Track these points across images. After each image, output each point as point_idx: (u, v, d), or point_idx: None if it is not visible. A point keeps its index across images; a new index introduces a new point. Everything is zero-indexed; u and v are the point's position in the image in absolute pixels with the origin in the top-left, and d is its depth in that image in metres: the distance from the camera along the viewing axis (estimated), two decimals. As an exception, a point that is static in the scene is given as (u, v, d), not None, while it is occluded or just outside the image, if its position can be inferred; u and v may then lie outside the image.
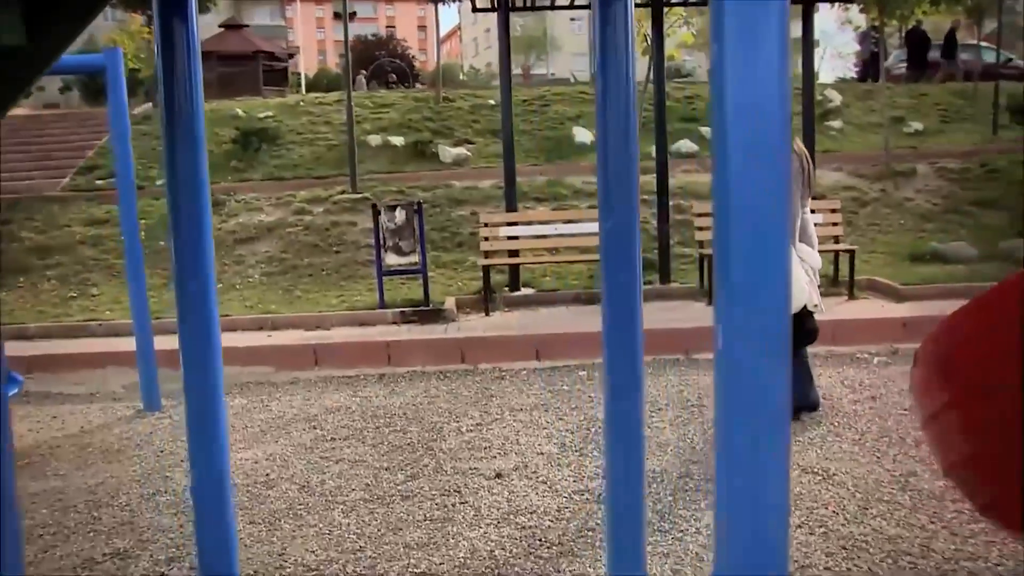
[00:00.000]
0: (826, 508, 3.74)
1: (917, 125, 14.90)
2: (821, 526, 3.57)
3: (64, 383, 6.52)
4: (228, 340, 7.03)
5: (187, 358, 2.50)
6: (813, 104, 9.07)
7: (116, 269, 9.52)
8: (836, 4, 11.74)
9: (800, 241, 4.80)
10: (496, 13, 8.87)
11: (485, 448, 4.64)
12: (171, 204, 2.45)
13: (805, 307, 4.75)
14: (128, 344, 7.10)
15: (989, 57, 20.14)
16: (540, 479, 4.19)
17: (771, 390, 1.36)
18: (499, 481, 4.17)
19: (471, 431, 4.96)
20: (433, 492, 4.07)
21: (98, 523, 3.95)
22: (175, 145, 2.42)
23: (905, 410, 5.04)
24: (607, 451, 2.63)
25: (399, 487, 4.16)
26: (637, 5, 9.20)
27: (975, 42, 21.48)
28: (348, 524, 3.77)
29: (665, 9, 8.52)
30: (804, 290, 4.69)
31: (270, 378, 6.44)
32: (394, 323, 7.59)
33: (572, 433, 4.85)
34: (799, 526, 3.58)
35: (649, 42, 9.58)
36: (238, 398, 5.98)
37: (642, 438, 2.62)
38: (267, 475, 4.45)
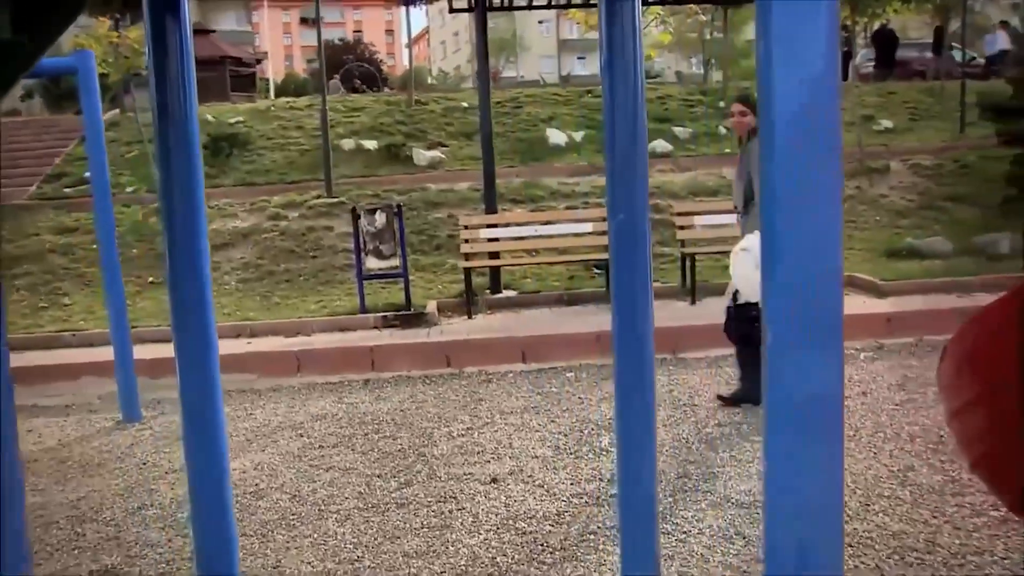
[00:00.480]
0: (827, 505, 3.70)
1: (887, 123, 15.06)
2: (824, 524, 3.53)
3: (38, 395, 6.33)
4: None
5: (183, 364, 2.40)
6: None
7: (88, 278, 9.32)
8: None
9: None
10: (472, 13, 8.80)
11: (478, 453, 4.57)
12: (165, 209, 2.35)
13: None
14: (103, 354, 6.95)
15: (954, 56, 20.51)
16: (536, 483, 4.12)
17: (823, 386, 1.33)
18: (495, 486, 4.10)
19: (462, 436, 4.88)
20: (428, 499, 3.98)
21: (82, 539, 3.82)
22: (169, 149, 2.32)
23: (897, 405, 5.04)
24: (619, 451, 2.56)
25: (393, 495, 4.08)
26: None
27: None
28: (343, 533, 3.68)
29: (642, 8, 8.47)
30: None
31: (253, 385, 6.31)
32: (375, 328, 7.48)
33: (565, 436, 4.79)
34: (802, 524, 3.54)
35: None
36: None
37: (653, 437, 2.56)
38: (256, 485, 4.33)
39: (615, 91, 2.36)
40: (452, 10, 8.30)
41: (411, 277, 8.00)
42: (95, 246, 10.07)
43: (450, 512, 3.82)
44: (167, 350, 7.28)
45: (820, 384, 1.32)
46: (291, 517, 3.89)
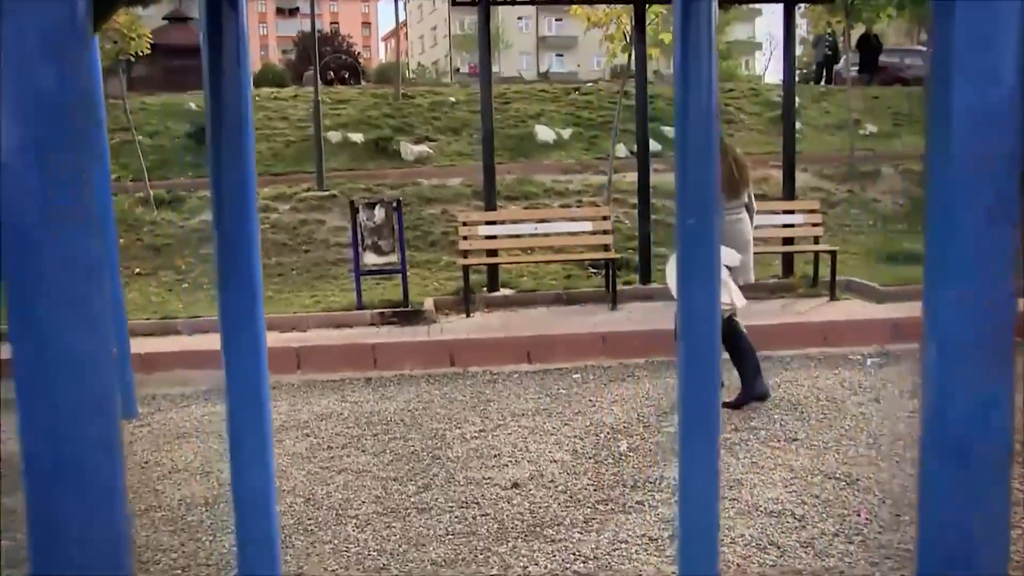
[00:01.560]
0: (858, 515, 3.65)
1: (872, 127, 15.16)
2: (858, 534, 3.48)
3: (27, 389, 6.13)
4: (203, 342, 6.73)
5: (231, 358, 2.28)
6: (793, 106, 9.06)
7: (72, 268, 9.10)
8: (801, 6, 11.81)
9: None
10: (459, 8, 8.67)
11: (495, 456, 4.46)
12: (216, 200, 2.23)
13: (735, 306, 5.08)
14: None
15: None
16: (559, 488, 4.02)
17: (990, 390, 1.26)
18: (517, 491, 3.99)
19: (476, 438, 4.77)
20: (450, 504, 3.87)
21: (89, 543, 3.66)
22: (221, 139, 2.20)
23: (912, 413, 5.00)
24: (682, 451, 2.46)
25: (412, 499, 3.96)
26: (615, 0, 9.11)
27: (919, 48, 22.02)
28: (365, 540, 3.56)
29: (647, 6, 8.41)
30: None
31: (250, 383, 6.14)
32: (373, 324, 7.35)
33: (582, 439, 4.69)
34: (835, 535, 3.48)
35: (628, 40, 9.47)
36: (219, 404, 5.66)
37: (717, 439, 2.47)
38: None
39: (688, 92, 2.27)
40: (455, 3, 8.15)
41: (407, 273, 7.86)
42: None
43: (474, 518, 3.71)
44: (158, 344, 7.13)
45: (987, 409, 1.24)
46: (308, 522, 3.76)
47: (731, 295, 5.01)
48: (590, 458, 4.41)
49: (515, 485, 4.06)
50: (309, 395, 5.84)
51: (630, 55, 9.59)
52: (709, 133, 2.29)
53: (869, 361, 6.21)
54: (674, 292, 5.14)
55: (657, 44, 9.86)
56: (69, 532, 1.14)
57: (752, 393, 5.16)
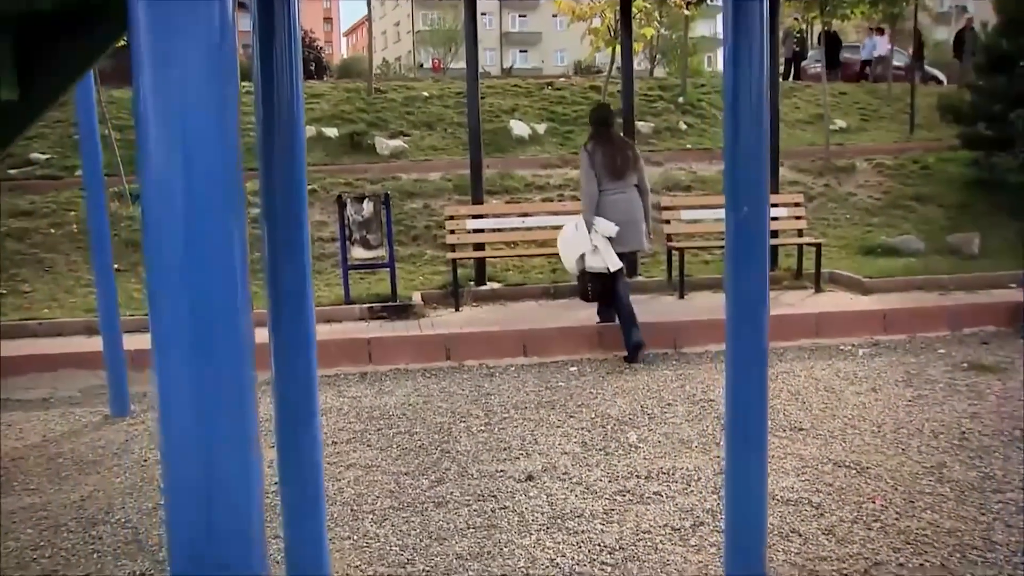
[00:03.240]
0: (873, 503, 3.69)
1: (841, 123, 15.32)
2: (876, 521, 3.51)
3: (11, 388, 5.98)
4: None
5: (280, 353, 2.24)
6: (777, 100, 9.13)
7: (48, 264, 8.88)
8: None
9: (598, 215, 6.20)
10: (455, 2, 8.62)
11: (505, 449, 4.44)
12: (265, 195, 2.18)
13: (608, 269, 6.22)
14: (80, 344, 6.63)
15: (898, 60, 21.08)
16: (574, 480, 4.01)
17: None
18: (532, 484, 3.98)
19: (482, 431, 4.74)
20: (467, 498, 3.84)
21: (99, 543, 3.58)
22: (273, 133, 2.15)
23: (910, 401, 5.07)
24: (729, 446, 2.47)
25: (427, 493, 3.92)
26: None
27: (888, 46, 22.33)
28: (385, 535, 3.52)
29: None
30: (578, 252, 6.27)
31: (243, 379, 6.05)
32: (362, 319, 7.27)
33: (589, 431, 4.69)
34: (854, 521, 3.51)
35: (613, 34, 9.48)
36: (214, 401, 5.58)
37: (765, 431, 2.47)
38: (276, 483, 4.11)
39: (739, 87, 2.27)
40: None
41: (395, 267, 7.79)
42: (53, 230, 9.64)
43: (493, 511, 3.69)
44: (145, 341, 7.01)
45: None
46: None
47: (605, 259, 6.18)
48: (600, 450, 4.40)
49: (529, 477, 4.04)
50: (305, 391, 5.76)
51: (614, 49, 9.60)
52: (759, 129, 2.29)
53: (861, 352, 6.29)
54: (567, 264, 6.42)
55: (639, 38, 9.88)
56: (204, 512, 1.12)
57: (630, 342, 6.16)
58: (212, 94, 1.10)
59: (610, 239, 6.20)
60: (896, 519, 3.53)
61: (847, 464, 4.12)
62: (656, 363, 6.13)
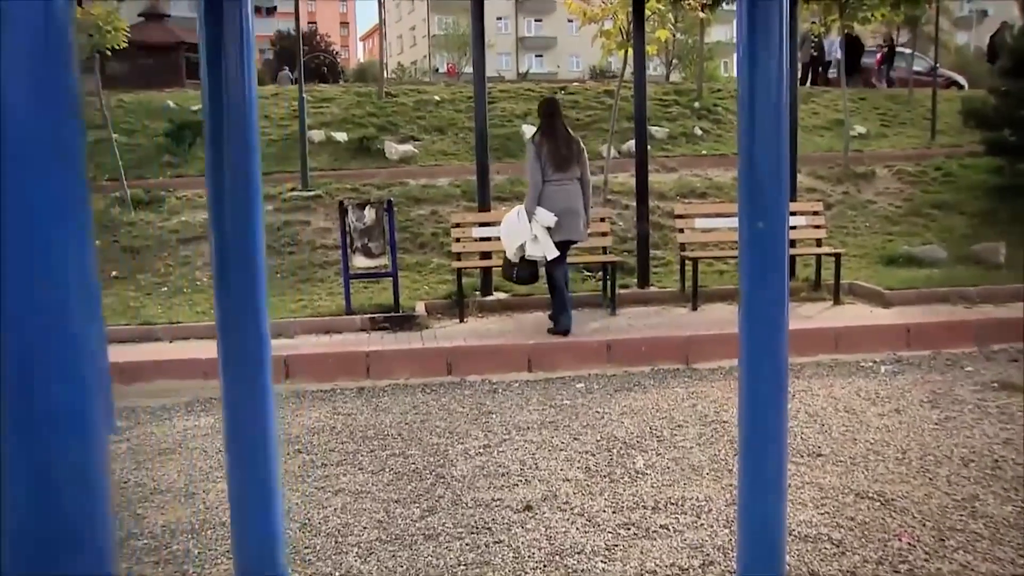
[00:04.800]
0: (899, 540, 3.40)
1: (860, 128, 14.99)
2: (903, 562, 3.22)
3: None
4: (185, 350, 6.39)
5: (229, 369, 1.98)
6: (796, 106, 8.84)
7: (45, 271, 8.70)
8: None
9: (541, 206, 6.47)
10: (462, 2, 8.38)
11: (503, 475, 4.17)
12: (214, 203, 1.93)
13: (546, 258, 6.53)
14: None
15: (918, 65, 20.70)
16: (575, 511, 3.74)
17: None
18: (530, 515, 3.71)
19: (480, 454, 4.48)
20: (459, 530, 3.57)
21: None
22: (221, 138, 1.90)
23: (937, 424, 4.77)
24: (743, 478, 2.19)
25: (417, 524, 3.66)
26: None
27: (901, 49, 21.96)
28: (370, 572, 3.26)
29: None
30: (519, 239, 6.53)
31: (235, 393, 5.81)
32: (363, 330, 7.03)
33: (593, 455, 4.41)
34: (879, 562, 3.22)
35: (625, 37, 9.21)
36: (203, 417, 5.36)
37: (784, 462, 2.20)
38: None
39: (755, 91, 2.01)
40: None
41: (398, 276, 7.54)
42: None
43: (487, 546, 3.42)
44: (137, 353, 6.71)
45: None
46: (305, 551, 3.45)
47: (544, 249, 6.48)
48: (605, 476, 4.13)
49: (527, 507, 3.77)
50: (299, 406, 5.52)
51: (626, 52, 9.33)
52: (779, 135, 2.03)
53: (883, 369, 5.98)
54: (507, 250, 6.45)
55: (653, 42, 9.60)
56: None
57: (558, 326, 6.60)
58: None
59: (549, 228, 6.46)
60: (925, 560, 3.23)
61: (870, 495, 3.83)
62: (667, 380, 5.85)
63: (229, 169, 1.90)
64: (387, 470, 4.31)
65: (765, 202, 2.03)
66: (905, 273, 8.38)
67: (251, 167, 1.94)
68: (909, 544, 3.36)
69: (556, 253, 6.48)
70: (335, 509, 3.85)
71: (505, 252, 6.76)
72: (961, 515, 3.61)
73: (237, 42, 1.87)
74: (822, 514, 3.65)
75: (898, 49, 22.24)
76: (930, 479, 4.01)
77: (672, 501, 3.81)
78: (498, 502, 3.84)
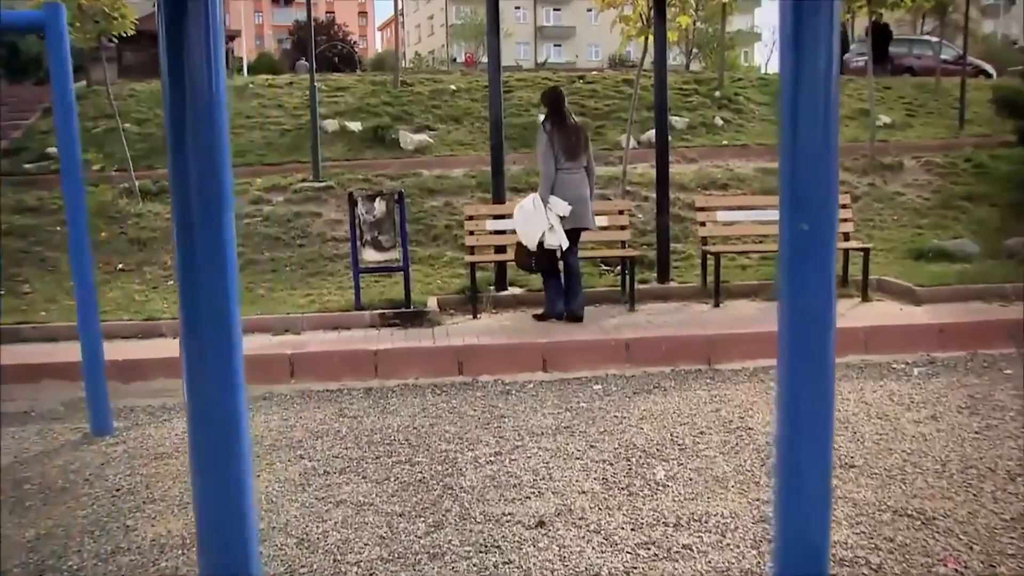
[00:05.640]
0: (945, 566, 3.12)
1: (885, 118, 14.60)
2: (949, 590, 2.95)
3: (-7, 399, 5.58)
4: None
5: (195, 378, 1.73)
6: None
7: (51, 263, 8.52)
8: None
9: (554, 195, 6.51)
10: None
11: (514, 486, 3.92)
12: (177, 198, 1.67)
13: (562, 247, 6.58)
14: (68, 352, 6.19)
15: (945, 53, 20.20)
16: (591, 527, 3.48)
17: None
18: (543, 532, 3.46)
19: (491, 462, 4.23)
20: (466, 548, 3.33)
21: (43, 596, 3.12)
22: (183, 126, 1.65)
23: (977, 433, 4.48)
24: (782, 483, 1.92)
25: (422, 540, 3.42)
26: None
27: (927, 37, 21.48)
28: (369, 595, 3.02)
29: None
30: (540, 228, 6.50)
31: (238, 393, 5.60)
32: (373, 327, 6.80)
33: (611, 464, 4.16)
34: (923, 590, 2.95)
35: (646, 22, 8.91)
36: (203, 418, 5.13)
37: (830, 483, 1.93)
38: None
39: (800, 77, 1.73)
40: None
41: (409, 271, 7.30)
42: (59, 228, 9.28)
43: (496, 566, 3.17)
44: (139, 349, 6.45)
45: None
46: (302, 570, 3.22)
47: (559, 238, 6.51)
48: (623, 488, 3.87)
49: (540, 523, 3.52)
50: (304, 408, 5.30)
51: (646, 38, 9.02)
52: (827, 124, 1.75)
53: (916, 371, 5.68)
54: (527, 240, 6.58)
55: (674, 28, 9.28)
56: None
57: (552, 311, 6.75)
58: None
59: (562, 218, 6.52)
60: (973, 588, 2.96)
61: (910, 512, 3.55)
62: (688, 381, 5.58)
63: (196, 162, 1.65)
64: (392, 479, 4.07)
65: (810, 201, 1.75)
66: (936, 268, 8.05)
67: (218, 163, 1.68)
68: (956, 571, 3.09)
69: (567, 243, 6.56)
70: (335, 523, 3.61)
71: (520, 241, 6.68)
72: (1012, 537, 3.33)
73: (201, 27, 1.62)
74: (858, 534, 3.38)
75: (925, 37, 21.74)
76: (974, 495, 3.72)
77: (695, 517, 3.55)
78: (509, 517, 3.60)
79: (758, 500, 3.71)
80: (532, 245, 6.58)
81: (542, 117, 6.93)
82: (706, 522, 3.51)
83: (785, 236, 1.81)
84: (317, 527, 3.57)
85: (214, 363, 1.78)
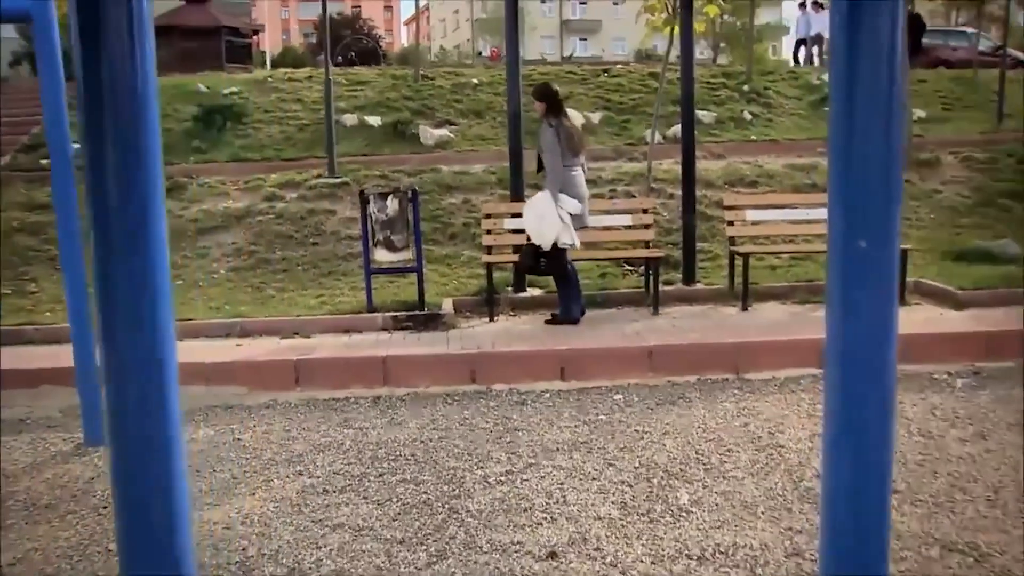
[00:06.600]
0: (1002, 611, 2.79)
1: (920, 112, 14.11)
2: (1009, 643, 2.62)
3: (-11, 405, 5.38)
4: (189, 352, 5.92)
5: (117, 392, 1.44)
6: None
7: (59, 262, 8.33)
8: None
9: (562, 192, 6.27)
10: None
11: (525, 510, 3.63)
12: (93, 194, 1.39)
13: (557, 243, 6.27)
14: (70, 356, 5.99)
15: (981, 45, 19.59)
16: (607, 560, 3.19)
17: None
18: (554, 564, 3.17)
19: (501, 483, 3.94)
20: (470, 583, 3.05)
21: (11, 631, 2.88)
22: (100, 110, 1.36)
23: (1031, 454, 4.12)
24: (828, 514, 1.62)
25: (423, 573, 3.14)
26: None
27: (962, 28, 20.86)
28: (360, 638, 2.75)
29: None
30: (555, 228, 6.21)
31: (242, 400, 5.35)
32: (384, 330, 6.53)
33: (630, 486, 3.85)
34: (979, 642, 2.62)
35: (672, 13, 8.57)
36: (203, 428, 4.90)
37: (888, 493, 1.62)
38: (243, 549, 3.39)
39: (857, 71, 1.42)
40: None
41: (424, 271, 7.03)
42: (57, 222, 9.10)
43: (501, 606, 2.89)
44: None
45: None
46: (289, 605, 2.95)
47: (572, 237, 6.31)
48: (643, 514, 3.57)
49: (552, 555, 3.23)
50: (307, 417, 5.04)
51: (672, 30, 8.68)
52: (890, 140, 1.44)
53: (960, 383, 5.32)
54: (543, 240, 6.26)
55: (701, 19, 8.93)
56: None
57: (568, 315, 6.49)
58: None
59: (572, 216, 6.33)
60: (1036, 641, 2.63)
61: (960, 547, 3.22)
62: (715, 392, 5.26)
63: (113, 151, 1.37)
64: (395, 500, 3.79)
65: (868, 215, 1.45)
66: (978, 271, 7.64)
67: (146, 182, 1.40)
68: (1014, 618, 2.76)
69: (579, 243, 6.45)
70: (330, 550, 3.34)
71: (529, 241, 6.41)
72: (1075, 578, 2.99)
73: (123, 11, 1.33)
74: (903, 571, 3.06)
75: (960, 28, 21.12)
76: (1031, 527, 3.38)
77: (721, 549, 3.25)
78: (518, 546, 3.31)
79: (790, 530, 3.39)
80: (547, 246, 6.30)
81: (538, 113, 6.59)
82: (733, 555, 3.20)
83: (837, 254, 1.50)
84: (311, 555, 3.30)
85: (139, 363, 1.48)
